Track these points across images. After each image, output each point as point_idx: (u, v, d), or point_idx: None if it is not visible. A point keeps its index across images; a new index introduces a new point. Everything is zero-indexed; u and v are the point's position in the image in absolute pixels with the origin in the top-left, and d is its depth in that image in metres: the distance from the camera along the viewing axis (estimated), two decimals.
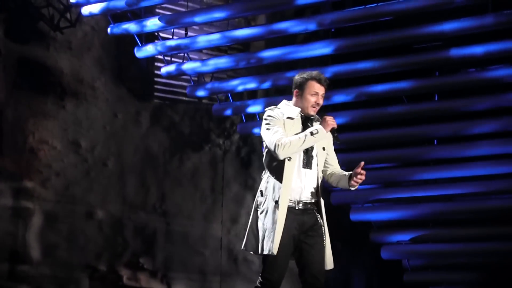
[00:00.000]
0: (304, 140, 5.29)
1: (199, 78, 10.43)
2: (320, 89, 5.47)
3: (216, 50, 10.79)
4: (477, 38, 8.54)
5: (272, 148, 5.30)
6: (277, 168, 5.38)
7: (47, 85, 9.95)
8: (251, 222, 5.52)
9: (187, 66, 10.20)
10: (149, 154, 10.62)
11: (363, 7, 8.85)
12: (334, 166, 5.60)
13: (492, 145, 8.92)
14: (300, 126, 5.45)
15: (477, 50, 8.52)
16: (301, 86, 5.49)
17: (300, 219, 5.40)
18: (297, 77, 5.53)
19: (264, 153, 5.50)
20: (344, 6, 9.06)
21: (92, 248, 10.07)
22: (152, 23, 9.87)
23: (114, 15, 10.07)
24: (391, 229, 9.85)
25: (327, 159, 5.56)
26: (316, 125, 5.38)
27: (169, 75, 10.38)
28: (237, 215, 11.05)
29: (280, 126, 5.37)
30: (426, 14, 8.70)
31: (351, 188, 5.51)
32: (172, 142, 10.77)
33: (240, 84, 10.16)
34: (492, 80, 8.69)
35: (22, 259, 9.63)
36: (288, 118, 5.42)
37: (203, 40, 9.91)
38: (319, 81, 5.47)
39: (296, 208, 5.41)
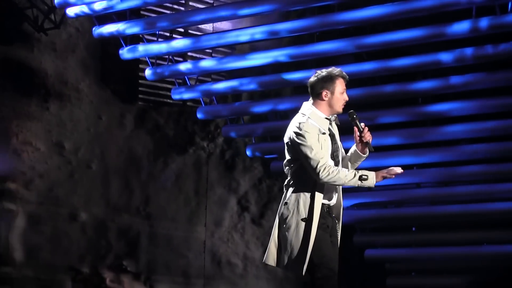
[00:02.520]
0: (350, 180, 5.19)
1: (184, 81, 10.43)
2: (344, 86, 5.39)
3: (201, 53, 10.79)
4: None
5: (316, 170, 5.14)
6: (308, 183, 5.25)
7: (31, 86, 9.90)
8: (274, 236, 5.33)
9: (172, 68, 10.20)
10: (133, 157, 10.60)
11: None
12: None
13: (476, 149, 8.97)
14: (329, 139, 5.32)
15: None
16: (331, 85, 5.33)
17: (330, 221, 5.35)
18: (319, 76, 5.35)
19: (290, 165, 5.33)
20: (333, 10, 9.07)
21: (75, 251, 10.03)
22: (137, 25, 9.86)
23: (99, 17, 10.04)
24: (374, 233, 9.88)
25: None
26: (371, 174, 5.21)
27: (153, 78, 10.37)
28: (221, 218, 11.04)
29: (319, 145, 5.22)
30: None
31: (363, 155, 5.37)
32: (157, 145, 10.75)
33: (224, 87, 10.17)
34: None
35: (5, 261, 9.58)
36: (323, 133, 5.28)
37: (188, 43, 9.91)
38: (344, 77, 5.36)
39: (325, 210, 5.32)
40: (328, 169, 5.14)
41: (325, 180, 5.15)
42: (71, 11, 9.94)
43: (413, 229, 9.88)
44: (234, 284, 11.03)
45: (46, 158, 9.94)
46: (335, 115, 5.43)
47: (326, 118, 5.36)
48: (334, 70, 5.36)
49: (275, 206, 11.30)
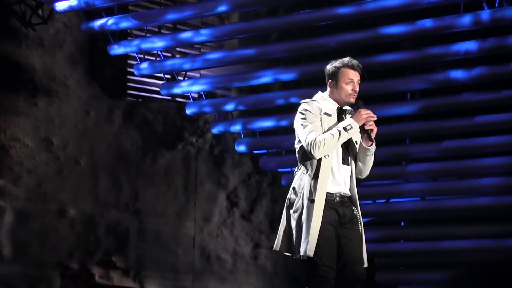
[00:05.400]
0: (339, 137, 5.09)
1: (173, 76, 10.41)
2: (354, 76, 5.24)
3: (190, 48, 10.77)
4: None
5: (308, 148, 5.09)
6: (313, 165, 5.18)
7: (18, 82, 9.87)
8: (283, 222, 5.24)
9: (160, 64, 10.18)
10: (122, 152, 10.58)
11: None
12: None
13: (463, 143, 9.01)
14: (336, 122, 5.23)
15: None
16: (335, 76, 5.25)
17: (341, 211, 5.22)
18: (329, 67, 5.29)
19: (297, 148, 5.26)
20: (322, 5, 9.07)
21: (64, 247, 10.01)
22: (126, 20, 9.83)
23: (87, 12, 10.00)
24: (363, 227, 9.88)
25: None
26: (349, 119, 5.17)
27: (142, 73, 10.35)
28: (210, 214, 11.04)
29: (317, 123, 5.18)
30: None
31: (368, 148, 5.23)
32: (145, 140, 10.73)
33: (213, 82, 10.16)
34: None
35: None
36: (326, 114, 5.21)
37: (177, 38, 9.88)
38: (352, 67, 5.24)
39: (335, 201, 5.21)
40: (317, 144, 5.08)
41: (318, 154, 5.10)
42: (59, 6, 9.89)
43: (402, 224, 9.90)
44: (224, 280, 11.03)
45: (34, 154, 9.91)
46: (351, 109, 5.35)
47: (339, 108, 5.28)
48: (342, 60, 5.28)
49: (264, 202, 11.31)
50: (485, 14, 8.12)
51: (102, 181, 10.39)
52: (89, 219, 10.23)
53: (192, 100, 10.47)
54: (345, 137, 5.14)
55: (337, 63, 5.28)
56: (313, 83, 9.51)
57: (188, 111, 10.43)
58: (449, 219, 9.51)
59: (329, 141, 5.10)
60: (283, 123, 9.86)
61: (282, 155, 10.31)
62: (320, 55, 9.38)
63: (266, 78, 9.80)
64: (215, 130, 10.51)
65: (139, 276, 10.47)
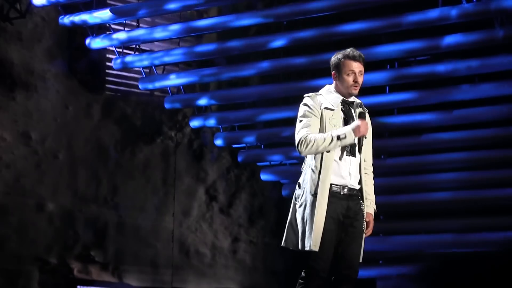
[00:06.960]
0: (330, 143, 5.05)
1: (151, 70, 10.40)
2: (356, 67, 5.19)
3: (168, 42, 10.75)
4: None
5: (296, 143, 5.09)
6: (315, 160, 5.15)
7: None
8: (290, 217, 5.22)
9: (139, 58, 10.16)
10: (100, 147, 10.56)
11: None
12: (367, 162, 5.33)
13: (443, 137, 9.06)
14: (340, 115, 5.19)
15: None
16: (337, 68, 5.21)
17: (345, 204, 5.16)
18: (333, 58, 5.27)
19: None
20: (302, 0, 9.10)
21: (43, 241, 9.98)
22: (104, 14, 9.80)
23: (65, 6, 9.97)
24: None
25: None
26: (346, 128, 5.10)
27: (120, 67, 10.33)
28: (189, 208, 11.04)
29: (315, 119, 5.14)
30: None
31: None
32: (124, 135, 10.71)
33: (192, 77, 10.16)
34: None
35: None
36: (326, 108, 5.16)
37: (156, 32, 9.87)
38: (353, 58, 5.19)
39: (341, 194, 5.16)
40: (305, 142, 5.07)
41: (306, 152, 5.09)
42: (37, 0, 9.85)
43: (381, 217, 9.95)
44: (203, 274, 11.04)
45: (13, 148, 9.87)
46: (360, 102, 5.32)
47: (345, 100, 5.24)
48: (344, 51, 5.25)
49: (243, 195, 11.33)
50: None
51: (81, 176, 10.37)
52: (68, 213, 10.21)
53: (170, 94, 10.47)
54: (336, 145, 5.10)
55: (339, 54, 5.25)
56: (292, 77, 9.54)
57: (167, 105, 10.43)
58: (428, 213, 9.56)
59: (319, 142, 5.07)
60: (262, 117, 9.87)
61: (260, 149, 10.33)
62: (299, 49, 9.42)
63: (245, 72, 9.82)
64: (194, 124, 10.52)
65: (118, 270, 10.46)
